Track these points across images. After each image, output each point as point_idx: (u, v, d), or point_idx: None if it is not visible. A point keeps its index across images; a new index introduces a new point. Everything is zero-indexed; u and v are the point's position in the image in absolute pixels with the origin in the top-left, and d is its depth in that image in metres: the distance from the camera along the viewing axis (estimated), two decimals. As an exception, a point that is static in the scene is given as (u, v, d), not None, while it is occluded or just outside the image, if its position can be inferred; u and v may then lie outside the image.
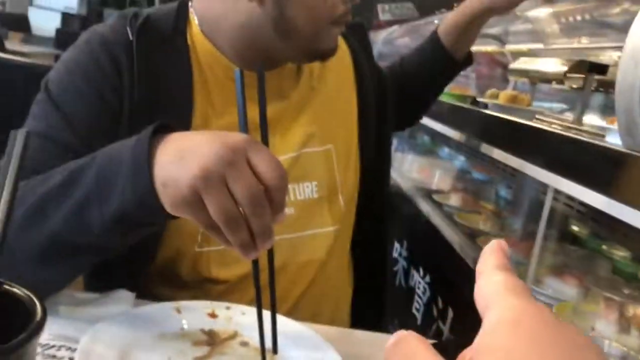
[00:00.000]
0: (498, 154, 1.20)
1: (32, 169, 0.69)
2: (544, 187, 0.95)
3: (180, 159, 0.55)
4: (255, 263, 0.61)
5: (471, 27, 1.13)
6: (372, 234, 1.05)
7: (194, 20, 0.86)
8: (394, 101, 1.09)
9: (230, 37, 0.83)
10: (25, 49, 5.17)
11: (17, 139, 0.44)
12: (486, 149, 1.31)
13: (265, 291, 0.63)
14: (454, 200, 1.53)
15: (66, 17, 7.93)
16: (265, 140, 0.60)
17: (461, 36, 1.14)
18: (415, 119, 1.29)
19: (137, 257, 0.81)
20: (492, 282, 0.23)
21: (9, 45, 5.03)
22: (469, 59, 1.18)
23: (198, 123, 0.82)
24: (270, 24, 0.80)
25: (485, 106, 1.42)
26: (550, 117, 1.53)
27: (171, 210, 0.56)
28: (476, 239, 1.21)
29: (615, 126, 1.07)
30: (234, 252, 0.84)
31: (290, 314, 0.87)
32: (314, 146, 0.92)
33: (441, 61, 1.16)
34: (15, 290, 0.39)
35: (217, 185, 0.52)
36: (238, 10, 0.81)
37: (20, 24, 7.26)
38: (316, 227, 0.92)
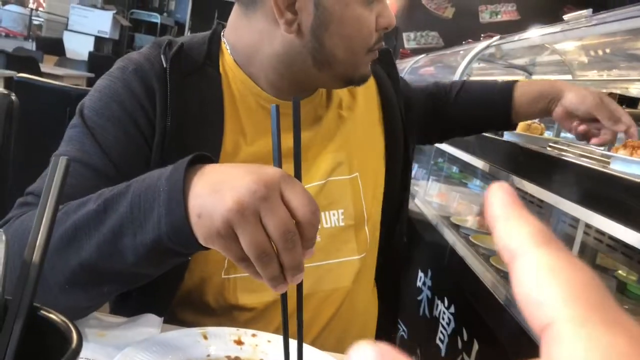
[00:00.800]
0: (527, 186, 1.19)
1: (65, 193, 0.70)
2: (574, 220, 0.93)
3: (215, 192, 0.55)
4: (284, 295, 0.61)
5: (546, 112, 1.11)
6: (394, 261, 1.05)
7: (226, 49, 0.87)
8: (423, 119, 1.12)
9: (265, 66, 0.84)
10: (59, 72, 5.31)
11: (59, 166, 0.46)
12: (515, 180, 1.30)
13: (291, 319, 0.63)
14: (475, 225, 1.51)
15: (99, 40, 8.14)
16: (298, 174, 0.61)
17: (532, 113, 1.13)
18: (440, 140, 1.32)
19: (164, 284, 0.81)
20: (515, 230, 0.19)
21: (44, 68, 5.19)
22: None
23: (228, 151, 0.83)
24: (308, 54, 0.81)
25: (502, 135, 1.42)
26: (580, 150, 1.51)
27: (204, 242, 0.57)
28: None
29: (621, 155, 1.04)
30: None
31: (316, 341, 0.87)
32: (341, 174, 0.93)
33: (502, 116, 1.15)
34: (52, 315, 0.40)
35: (251, 219, 0.53)
36: (274, 40, 0.82)
37: (56, 47, 7.48)
38: (342, 255, 0.92)
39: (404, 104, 1.06)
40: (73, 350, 0.37)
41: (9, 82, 4.13)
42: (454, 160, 1.83)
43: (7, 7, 8.15)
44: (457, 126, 1.21)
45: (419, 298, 1.66)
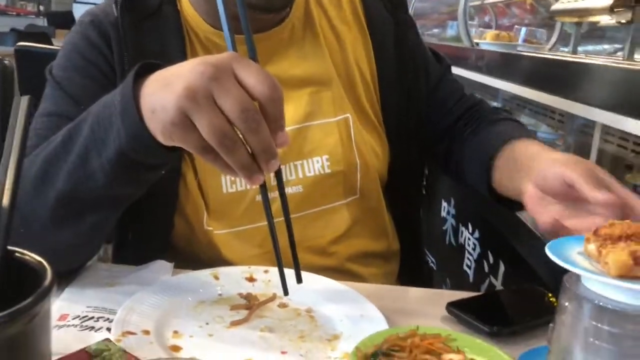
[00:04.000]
0: (540, 96, 1.14)
1: (41, 145, 0.70)
2: (591, 124, 0.88)
3: (165, 85, 0.54)
4: (263, 188, 0.58)
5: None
6: (411, 193, 1.01)
7: None
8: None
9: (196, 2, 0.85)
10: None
11: (21, 105, 0.44)
12: (528, 92, 1.25)
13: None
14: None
15: (108, 10, 8.10)
16: (253, 56, 0.58)
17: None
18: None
19: (156, 230, 0.84)
20: None
21: (56, 42, 5.18)
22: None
23: None
24: None
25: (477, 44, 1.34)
26: (597, 58, 1.44)
27: (163, 138, 0.55)
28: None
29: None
30: (241, 234, 0.83)
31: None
32: (325, 117, 0.87)
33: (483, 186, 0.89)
34: (26, 257, 0.39)
35: (203, 102, 0.51)
36: None
37: (66, 20, 7.46)
38: (329, 202, 0.88)
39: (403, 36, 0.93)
40: (46, 286, 0.35)
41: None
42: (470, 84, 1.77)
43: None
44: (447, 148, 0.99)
45: (444, 228, 1.64)
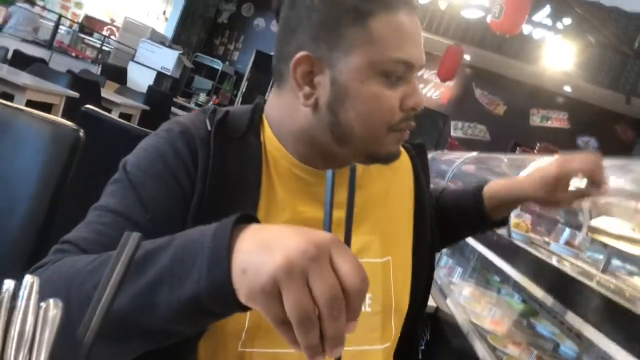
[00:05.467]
0: (566, 313, 1.15)
1: (105, 244, 0.70)
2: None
3: (264, 249, 0.54)
4: None
5: (516, 204, 1.16)
6: (410, 354, 1.02)
7: (266, 119, 0.90)
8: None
9: (293, 139, 0.87)
10: (118, 99, 5.48)
11: (130, 242, 0.45)
12: (552, 303, 1.26)
13: None
14: (511, 349, 1.45)
15: (160, 76, 8.46)
16: (348, 242, 0.60)
17: (503, 207, 1.15)
18: (441, 246, 1.27)
19: (179, 351, 0.79)
20: None
21: (104, 93, 5.38)
22: (504, 221, 1.18)
23: (261, 217, 0.83)
24: (327, 128, 0.83)
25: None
26: (624, 282, 1.46)
27: (245, 299, 0.55)
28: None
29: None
30: (280, 355, 0.82)
31: None
32: (373, 257, 0.91)
33: (476, 218, 1.16)
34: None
35: (298, 279, 0.51)
36: (298, 114, 0.85)
37: (119, 76, 7.79)
38: (367, 343, 0.89)
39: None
40: None
41: (70, 105, 4.28)
42: (495, 269, 1.79)
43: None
44: (444, 227, 1.16)
45: (434, 405, 1.58)
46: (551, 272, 1.35)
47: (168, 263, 0.60)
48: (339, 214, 0.66)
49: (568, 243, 1.86)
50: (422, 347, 2.01)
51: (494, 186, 1.15)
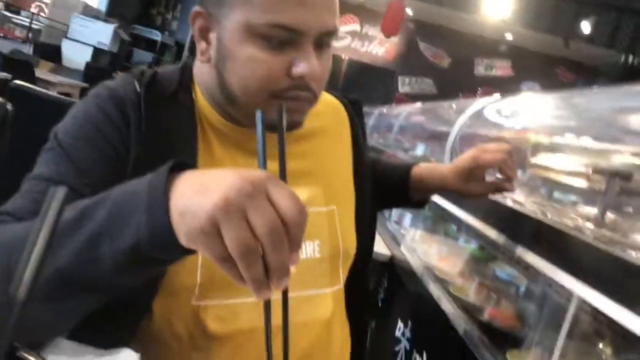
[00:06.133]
0: (517, 249, 1.19)
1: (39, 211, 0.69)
2: (566, 292, 0.92)
3: (200, 190, 0.55)
4: (267, 304, 0.59)
5: (437, 191, 1.26)
6: (362, 301, 1.05)
7: (194, 79, 0.90)
8: None
9: (210, 95, 0.87)
10: (54, 78, 5.28)
11: (56, 196, 0.44)
12: (504, 240, 1.30)
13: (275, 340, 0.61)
14: (471, 293, 1.50)
15: (97, 52, 8.15)
16: (283, 178, 0.60)
17: (425, 192, 1.23)
18: None
19: (133, 310, 0.80)
20: None
21: (38, 73, 5.16)
22: (424, 202, 1.27)
23: None
24: (218, 87, 0.83)
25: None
26: (571, 211, 1.52)
27: (186, 241, 0.56)
28: (499, 346, 1.17)
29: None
30: (233, 306, 0.83)
31: None
32: (318, 205, 0.93)
33: (400, 196, 1.23)
34: (30, 358, 0.38)
35: (236, 216, 0.52)
36: (205, 69, 0.85)
37: (53, 54, 7.47)
38: (317, 287, 0.91)
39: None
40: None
41: (2, 86, 4.10)
42: (444, 211, 1.83)
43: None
44: None
45: (397, 348, 1.63)
46: (500, 210, 1.39)
47: (106, 215, 0.61)
48: (277, 165, 0.66)
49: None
50: (382, 296, 2.06)
51: (419, 171, 1.20)
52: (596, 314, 0.84)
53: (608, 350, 0.90)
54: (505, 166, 1.09)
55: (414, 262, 1.81)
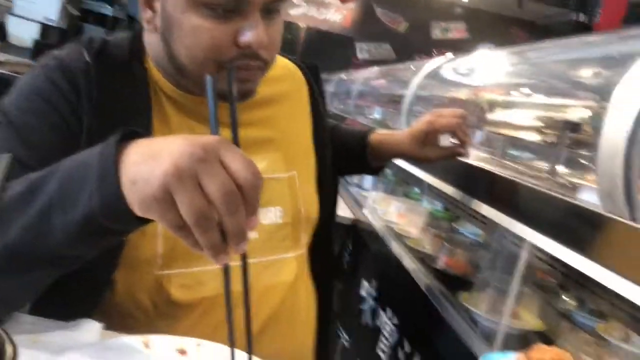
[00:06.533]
0: (474, 203, 1.22)
1: None
2: (520, 240, 0.96)
3: (151, 157, 0.54)
4: (227, 270, 0.59)
5: (393, 157, 1.29)
6: (325, 262, 1.07)
7: (145, 47, 0.88)
8: None
9: (160, 64, 0.86)
10: (1, 57, 5.07)
11: (1, 161, 0.43)
12: (462, 197, 1.33)
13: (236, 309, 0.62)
14: (428, 245, 1.54)
15: (45, 28, 7.82)
16: (236, 142, 0.60)
17: (382, 159, 1.26)
18: None
19: (93, 283, 0.80)
20: None
21: (-17, 53, 4.94)
22: (380, 169, 1.30)
23: None
24: (166, 56, 0.82)
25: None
26: (524, 167, 1.56)
27: (139, 210, 0.55)
28: (456, 292, 1.21)
29: (584, 182, 1.09)
30: (197, 274, 0.84)
31: (256, 339, 0.85)
32: (278, 172, 0.94)
33: (358, 162, 1.25)
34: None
35: (189, 182, 0.52)
36: (153, 38, 0.84)
37: (-4, 31, 7.13)
38: (280, 252, 0.92)
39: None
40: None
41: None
42: (405, 173, 1.86)
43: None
44: None
45: (362, 307, 1.67)
46: (458, 169, 1.42)
47: (57, 187, 0.60)
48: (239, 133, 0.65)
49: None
50: (347, 258, 2.09)
51: (376, 137, 1.22)
52: (547, 258, 0.88)
53: (559, 291, 0.94)
54: (460, 131, 1.12)
55: (376, 224, 1.84)
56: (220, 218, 0.53)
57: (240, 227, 0.53)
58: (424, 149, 1.15)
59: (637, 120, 0.72)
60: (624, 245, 0.71)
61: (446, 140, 1.13)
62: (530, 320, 1.05)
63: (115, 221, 0.58)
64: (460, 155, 1.16)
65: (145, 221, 0.58)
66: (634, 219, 0.72)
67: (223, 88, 0.61)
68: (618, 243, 0.73)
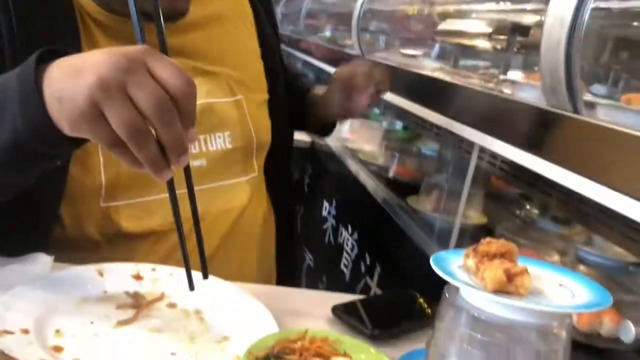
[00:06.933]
0: (424, 112, 1.22)
1: None
2: (469, 144, 0.97)
3: (74, 72, 0.51)
4: (171, 185, 0.57)
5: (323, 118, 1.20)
6: (285, 186, 1.07)
7: None
8: None
9: None
10: None
11: None
12: (411, 106, 1.33)
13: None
14: (382, 161, 1.55)
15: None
16: (164, 50, 0.57)
17: (318, 119, 1.19)
18: None
19: (40, 217, 0.78)
20: None
21: None
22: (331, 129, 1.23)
23: None
24: None
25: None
26: (476, 76, 1.56)
27: (69, 129, 0.53)
28: (407, 198, 1.23)
29: (530, 81, 1.09)
30: (145, 204, 0.82)
31: (212, 262, 0.85)
32: (224, 97, 0.91)
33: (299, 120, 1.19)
34: None
35: (116, 94, 0.49)
36: None
37: None
38: (230, 177, 0.91)
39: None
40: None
41: None
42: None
43: None
44: None
45: (324, 227, 1.69)
46: (411, 81, 1.41)
47: None
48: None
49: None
50: (307, 181, 2.09)
51: (309, 99, 1.18)
52: (498, 162, 0.89)
53: (508, 189, 0.97)
54: (372, 72, 1.07)
55: (333, 144, 1.84)
56: (156, 130, 0.51)
57: (178, 138, 0.51)
58: (350, 101, 1.09)
59: (575, 10, 0.71)
60: (568, 138, 0.72)
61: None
62: (475, 216, 1.09)
63: (44, 142, 0.56)
64: (382, 92, 1.12)
65: (80, 141, 0.55)
66: (576, 112, 0.73)
67: (145, 8, 0.56)
68: (563, 137, 0.74)
